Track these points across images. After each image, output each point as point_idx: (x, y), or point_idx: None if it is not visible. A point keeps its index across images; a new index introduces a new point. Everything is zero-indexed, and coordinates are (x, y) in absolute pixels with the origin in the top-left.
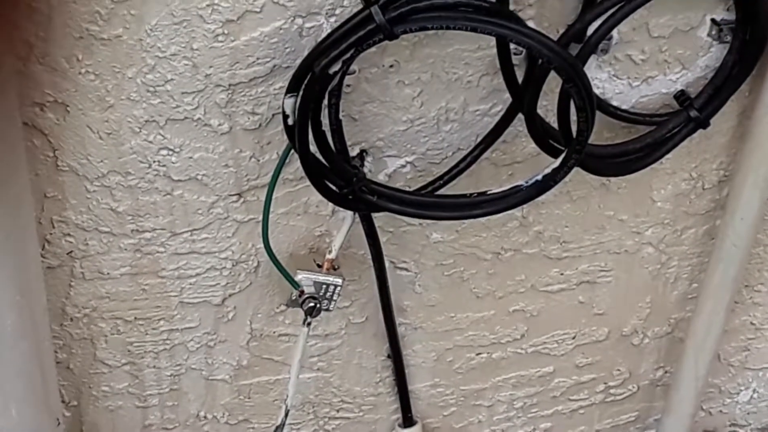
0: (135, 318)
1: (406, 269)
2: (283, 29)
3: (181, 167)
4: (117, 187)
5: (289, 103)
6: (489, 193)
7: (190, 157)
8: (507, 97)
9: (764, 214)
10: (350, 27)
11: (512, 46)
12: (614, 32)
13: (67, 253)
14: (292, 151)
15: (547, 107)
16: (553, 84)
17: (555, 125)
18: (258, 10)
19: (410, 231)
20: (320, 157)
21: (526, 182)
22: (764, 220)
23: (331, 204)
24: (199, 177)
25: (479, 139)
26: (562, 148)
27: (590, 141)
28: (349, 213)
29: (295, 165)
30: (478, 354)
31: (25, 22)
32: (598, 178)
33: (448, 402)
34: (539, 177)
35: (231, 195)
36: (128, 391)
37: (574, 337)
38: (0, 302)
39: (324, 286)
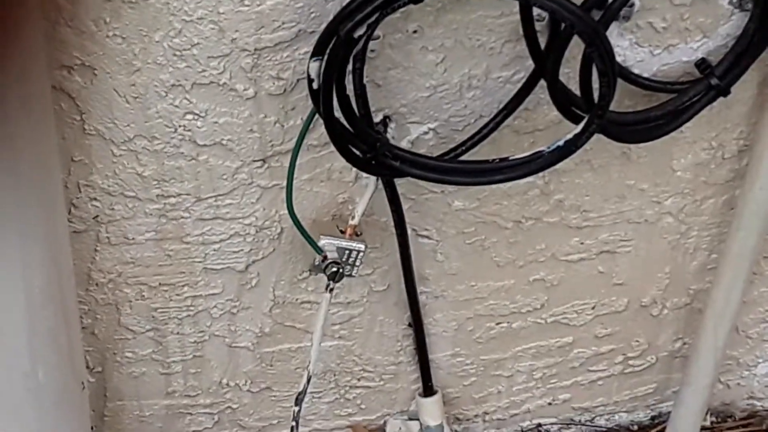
0: (159, 284)
1: (427, 237)
2: None
3: (207, 132)
4: (143, 151)
5: (314, 67)
6: (511, 158)
7: (216, 122)
8: (529, 65)
9: None
10: None
11: (535, 12)
12: None
13: (93, 218)
14: (316, 116)
15: (569, 74)
16: (575, 51)
17: (577, 92)
18: None
19: (432, 198)
20: (344, 122)
21: (548, 148)
22: None
23: (354, 170)
24: (224, 142)
25: (501, 106)
26: (584, 115)
27: (611, 108)
28: (372, 179)
29: (318, 131)
30: (498, 323)
31: None
32: (618, 147)
33: (468, 372)
34: (561, 142)
35: (255, 160)
36: (152, 357)
37: (593, 308)
38: (29, 265)
39: (347, 252)
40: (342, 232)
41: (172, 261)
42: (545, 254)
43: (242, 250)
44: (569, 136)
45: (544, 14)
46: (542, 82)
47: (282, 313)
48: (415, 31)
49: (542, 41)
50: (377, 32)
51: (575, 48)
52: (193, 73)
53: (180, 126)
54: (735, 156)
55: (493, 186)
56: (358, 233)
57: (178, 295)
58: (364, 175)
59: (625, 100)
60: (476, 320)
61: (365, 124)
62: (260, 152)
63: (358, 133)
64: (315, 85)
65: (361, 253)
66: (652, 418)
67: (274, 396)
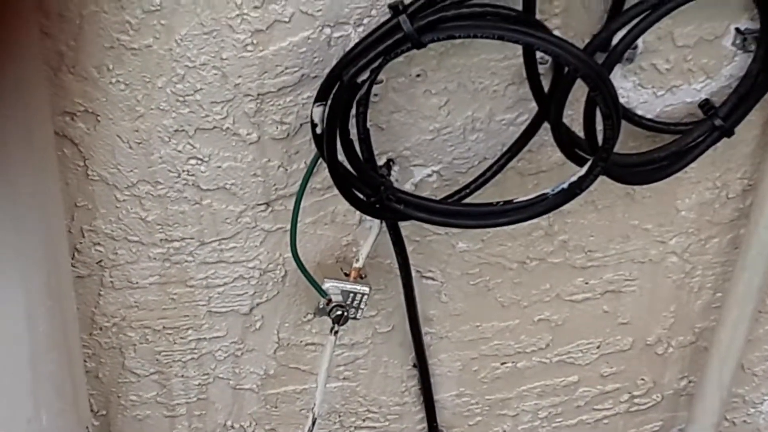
0: (163, 327)
1: (432, 278)
2: (311, 39)
3: (210, 176)
4: (146, 196)
5: (318, 112)
6: (515, 201)
7: (219, 167)
8: (532, 107)
9: None
10: (378, 36)
11: (538, 55)
12: (639, 41)
13: (97, 263)
14: (320, 160)
15: (572, 116)
16: (578, 93)
17: (580, 134)
18: (287, 20)
19: (436, 240)
20: (348, 166)
21: (552, 190)
22: None
23: (358, 213)
24: (228, 186)
25: (505, 149)
26: (588, 157)
27: (615, 150)
28: (376, 222)
29: (322, 174)
30: (503, 363)
31: (56, 32)
32: (622, 188)
33: (473, 411)
34: (565, 185)
35: (259, 204)
36: (156, 400)
37: (598, 347)
38: (33, 310)
39: (351, 295)
40: (346, 275)
41: (176, 304)
42: (550, 294)
43: (246, 293)
44: (573, 178)
45: (548, 57)
46: (546, 125)
47: (286, 355)
48: (418, 75)
49: (546, 84)
50: (380, 76)
51: (579, 90)
52: (196, 118)
53: (183, 171)
54: (739, 195)
55: (498, 228)
56: (363, 276)
57: (182, 338)
58: (368, 217)
59: (629, 142)
60: (481, 360)
61: (369, 168)
62: (264, 196)
63: (361, 177)
64: (318, 130)
65: (366, 296)
66: None
67: None
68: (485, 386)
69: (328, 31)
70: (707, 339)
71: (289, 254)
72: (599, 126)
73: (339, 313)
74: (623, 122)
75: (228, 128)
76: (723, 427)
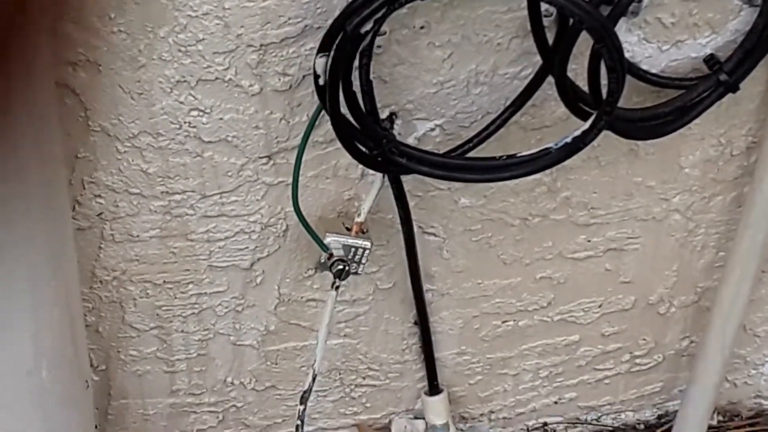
0: (164, 281)
1: (434, 234)
2: None
3: (212, 128)
4: (147, 148)
5: (321, 63)
6: (518, 155)
7: (221, 119)
8: (537, 61)
9: None
10: None
11: (543, 7)
12: None
13: (98, 215)
14: (322, 113)
15: (576, 71)
16: (582, 47)
17: (585, 88)
18: None
19: (438, 195)
20: (350, 119)
21: (556, 144)
22: None
23: (360, 167)
24: (230, 138)
25: (509, 103)
26: (592, 111)
27: (619, 105)
28: (378, 176)
29: (324, 128)
30: (504, 322)
31: None
32: (626, 144)
33: (474, 370)
34: (569, 139)
35: (261, 157)
36: (156, 355)
37: (600, 306)
38: (34, 262)
39: (353, 249)
40: (348, 229)
41: (176, 258)
42: (552, 252)
43: (247, 247)
44: (577, 132)
45: (552, 10)
46: (550, 79)
47: (287, 311)
48: (422, 27)
49: (550, 37)
50: (384, 28)
51: (583, 44)
52: (198, 69)
53: (185, 122)
54: (743, 153)
55: (500, 183)
56: (364, 231)
57: (182, 292)
58: (371, 172)
59: (633, 97)
60: (482, 318)
61: (372, 121)
62: (266, 149)
63: (364, 130)
64: (321, 82)
65: (367, 251)
66: (659, 417)
67: (279, 395)
68: (486, 345)
69: None
70: (709, 299)
71: (291, 208)
72: (603, 81)
73: (340, 267)
74: (627, 77)
75: (230, 79)
76: (724, 388)
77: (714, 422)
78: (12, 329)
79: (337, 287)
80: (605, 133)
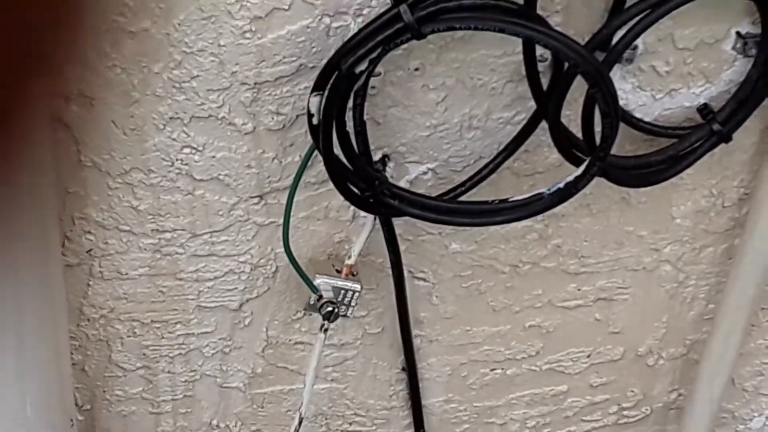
0: (152, 320)
1: (423, 279)
2: (310, 28)
3: (204, 166)
4: (139, 184)
5: (315, 102)
6: (510, 200)
7: (213, 157)
8: (530, 106)
9: None
10: (378, 25)
11: (538, 51)
12: (639, 42)
13: (87, 252)
14: (315, 153)
15: (570, 117)
16: (576, 93)
17: (578, 135)
18: (286, 7)
19: (429, 240)
20: (343, 159)
21: (548, 190)
22: None
23: (351, 209)
24: (221, 177)
25: (502, 147)
26: (585, 157)
27: (612, 152)
28: (370, 218)
29: (316, 168)
30: (492, 370)
31: None
32: (618, 192)
33: (461, 419)
34: (561, 184)
35: (252, 197)
36: (142, 396)
37: (589, 356)
38: (21, 298)
39: (342, 292)
40: (338, 271)
41: (165, 297)
42: (542, 300)
43: (236, 288)
44: (570, 178)
45: (547, 54)
46: (543, 124)
47: (275, 354)
48: (416, 69)
49: (545, 82)
50: (378, 69)
51: (577, 90)
52: (191, 106)
53: (177, 160)
54: (735, 204)
55: (491, 229)
56: (354, 273)
57: (170, 332)
58: (362, 214)
59: (626, 144)
60: (470, 366)
61: (364, 162)
62: (257, 188)
63: (357, 171)
64: (315, 121)
65: (357, 294)
66: None
67: None
68: (474, 393)
69: (327, 20)
70: (698, 351)
71: (281, 249)
72: (597, 127)
73: (329, 309)
74: (621, 125)
75: (223, 117)
76: None
77: None
78: None
79: (326, 330)
80: (597, 181)
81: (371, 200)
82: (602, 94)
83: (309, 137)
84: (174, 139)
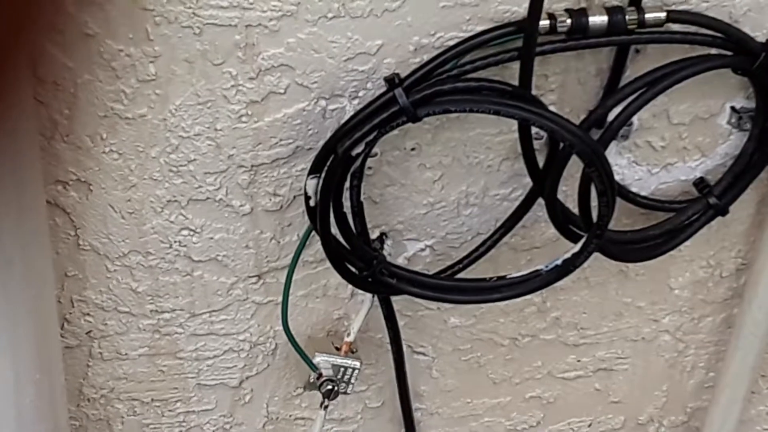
0: (152, 399)
1: (423, 353)
2: (306, 111)
3: (202, 248)
4: (137, 267)
5: (312, 184)
6: (508, 277)
7: (211, 238)
8: (527, 182)
9: None
10: (373, 109)
11: (533, 130)
12: (634, 118)
13: (86, 333)
14: (313, 233)
15: (566, 192)
16: (573, 169)
17: (575, 210)
18: (282, 91)
19: (428, 315)
20: (341, 239)
21: (546, 267)
22: None
23: (350, 287)
24: (220, 258)
25: (499, 224)
26: (582, 233)
27: (609, 227)
28: (368, 296)
29: (314, 247)
30: None
31: (50, 100)
32: (616, 265)
33: None
34: (559, 261)
35: (251, 276)
36: None
37: (589, 425)
38: (21, 381)
39: (342, 369)
40: (337, 348)
41: (165, 376)
42: (541, 371)
43: (236, 366)
44: (567, 255)
45: (543, 133)
46: (540, 200)
47: (275, 430)
48: (413, 149)
49: (540, 159)
50: (375, 149)
51: (573, 166)
52: (189, 188)
53: (175, 242)
54: (733, 274)
55: (490, 303)
56: (354, 350)
57: (170, 410)
58: (360, 291)
59: (622, 219)
60: None
61: (362, 242)
62: (255, 268)
63: (354, 250)
64: (312, 203)
65: (357, 371)
66: None
67: None
68: None
69: (323, 103)
70: (699, 419)
71: (280, 327)
72: (594, 202)
73: (329, 387)
74: (618, 199)
75: (221, 199)
76: None
77: None
78: None
79: (326, 407)
80: (595, 254)
81: (369, 279)
82: (598, 174)
83: (306, 217)
84: (172, 222)
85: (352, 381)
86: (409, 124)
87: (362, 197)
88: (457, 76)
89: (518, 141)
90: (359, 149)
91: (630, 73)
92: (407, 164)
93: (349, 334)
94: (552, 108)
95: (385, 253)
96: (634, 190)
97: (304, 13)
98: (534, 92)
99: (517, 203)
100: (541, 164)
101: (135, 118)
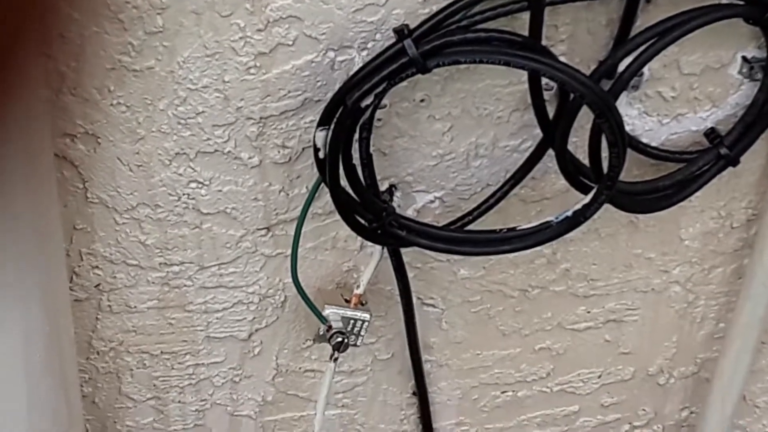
0: (161, 352)
1: (432, 305)
2: (315, 62)
3: (210, 200)
4: (146, 219)
5: (321, 136)
6: (518, 228)
7: (220, 190)
8: (537, 133)
9: None
10: (383, 60)
11: (543, 81)
12: (645, 69)
13: (95, 286)
14: (322, 185)
15: (576, 143)
16: (583, 120)
17: (585, 161)
18: (290, 43)
19: (438, 267)
20: (350, 191)
21: (556, 218)
22: None
23: (359, 239)
24: (228, 210)
25: (509, 175)
26: (593, 185)
27: (620, 178)
28: (378, 248)
29: (323, 199)
30: (503, 392)
31: (57, 53)
32: (626, 216)
33: None
34: (569, 213)
35: (259, 229)
36: (153, 426)
37: (599, 376)
38: (30, 334)
39: (352, 321)
40: (347, 301)
41: (174, 329)
42: (551, 323)
43: (245, 318)
44: (578, 206)
45: (553, 83)
46: (550, 151)
47: (285, 382)
48: (422, 100)
49: (550, 110)
50: (384, 101)
51: (583, 117)
52: (197, 141)
53: (184, 194)
54: (743, 225)
55: (500, 255)
56: (363, 302)
57: (180, 363)
58: (370, 243)
59: (633, 169)
60: (481, 389)
61: (371, 194)
62: (264, 221)
63: (363, 202)
64: (321, 155)
65: (366, 323)
66: None
67: None
68: (485, 415)
69: (331, 54)
70: (709, 370)
71: (289, 280)
72: (604, 153)
73: (339, 340)
74: (628, 150)
75: (229, 152)
76: None
77: None
78: (7, 399)
79: (336, 359)
80: (605, 205)
81: (379, 231)
82: (609, 124)
83: (315, 169)
84: (180, 174)
85: (362, 333)
86: (419, 76)
87: (371, 149)
88: (467, 26)
89: (528, 92)
90: (368, 101)
91: (640, 23)
92: (416, 116)
93: (358, 286)
94: (562, 58)
95: (394, 204)
96: (644, 140)
97: None
98: (544, 43)
99: (527, 154)
100: (551, 115)
101: (143, 70)
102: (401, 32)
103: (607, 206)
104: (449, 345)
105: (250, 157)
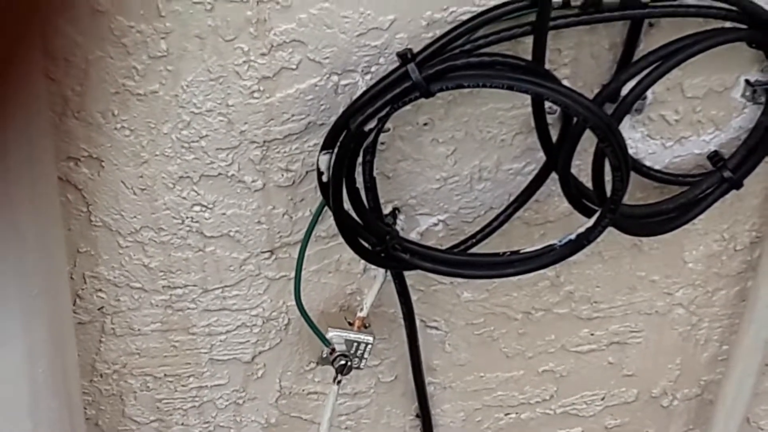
0: (164, 374)
1: (436, 328)
2: (318, 86)
3: (214, 223)
4: (149, 242)
5: (324, 160)
6: (522, 252)
7: (223, 214)
8: (540, 156)
9: None
10: (386, 84)
11: (547, 104)
12: (648, 92)
13: (99, 309)
14: (325, 208)
15: (580, 166)
16: (586, 143)
17: (588, 184)
18: (294, 67)
19: (441, 290)
20: (353, 215)
21: (560, 241)
22: None
23: (362, 262)
24: (232, 233)
25: (512, 198)
26: (596, 208)
27: (623, 201)
28: (381, 271)
29: (327, 222)
30: (506, 414)
31: (61, 77)
32: (629, 239)
33: None
34: (573, 236)
35: (263, 252)
36: None
37: (603, 398)
38: (34, 357)
39: (355, 344)
40: (350, 324)
41: (177, 352)
42: (555, 345)
43: (249, 341)
44: (581, 229)
45: (556, 107)
46: (553, 175)
47: (288, 404)
48: (425, 124)
49: (554, 134)
50: (388, 125)
51: (587, 141)
52: (201, 164)
53: (187, 217)
54: (747, 247)
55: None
56: (367, 325)
57: (183, 386)
58: (373, 266)
59: (636, 192)
60: (484, 411)
61: (375, 217)
62: (268, 244)
63: (367, 226)
64: (325, 178)
65: (369, 346)
66: None
67: None
68: None
69: (335, 78)
70: (713, 392)
71: (293, 302)
72: (607, 176)
73: (342, 362)
74: (631, 173)
75: (233, 175)
76: None
77: None
78: (11, 422)
79: (339, 381)
80: (609, 227)
81: (382, 254)
82: (612, 148)
83: (319, 193)
84: (184, 198)
85: (365, 356)
86: (422, 100)
87: (375, 172)
88: (470, 50)
89: (531, 115)
90: (372, 124)
91: (644, 47)
92: (420, 139)
93: (362, 309)
94: (565, 82)
95: (398, 228)
96: (647, 164)
97: None
98: (547, 67)
99: (530, 177)
100: (554, 138)
101: (146, 94)
102: (405, 56)
103: (610, 229)
104: (453, 367)
105: (253, 181)
